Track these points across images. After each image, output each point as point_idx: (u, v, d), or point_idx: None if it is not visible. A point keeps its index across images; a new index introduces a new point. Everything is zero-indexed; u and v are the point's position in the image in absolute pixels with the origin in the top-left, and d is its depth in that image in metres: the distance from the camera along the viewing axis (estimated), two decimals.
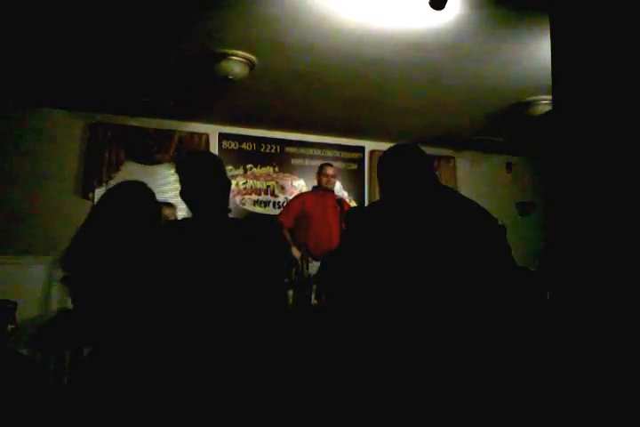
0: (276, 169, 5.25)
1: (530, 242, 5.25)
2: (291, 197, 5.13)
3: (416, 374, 1.56)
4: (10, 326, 3.14)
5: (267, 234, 1.92)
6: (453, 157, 5.87)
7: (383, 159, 1.91)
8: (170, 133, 4.78)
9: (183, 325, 1.61)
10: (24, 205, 4.30)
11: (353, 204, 5.38)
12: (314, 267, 3.81)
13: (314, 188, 4.46)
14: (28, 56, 3.35)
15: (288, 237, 4.21)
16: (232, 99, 4.23)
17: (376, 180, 5.44)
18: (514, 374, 1.66)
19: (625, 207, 1.39)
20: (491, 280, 1.66)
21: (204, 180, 1.79)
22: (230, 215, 1.88)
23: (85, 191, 4.51)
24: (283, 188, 5.25)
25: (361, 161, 5.62)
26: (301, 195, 4.54)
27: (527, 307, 1.83)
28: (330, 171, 4.30)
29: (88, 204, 4.52)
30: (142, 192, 2.05)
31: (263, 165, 5.21)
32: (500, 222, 2.02)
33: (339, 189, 5.26)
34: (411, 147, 1.92)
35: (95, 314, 1.88)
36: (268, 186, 5.21)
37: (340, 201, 4.00)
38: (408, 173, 1.80)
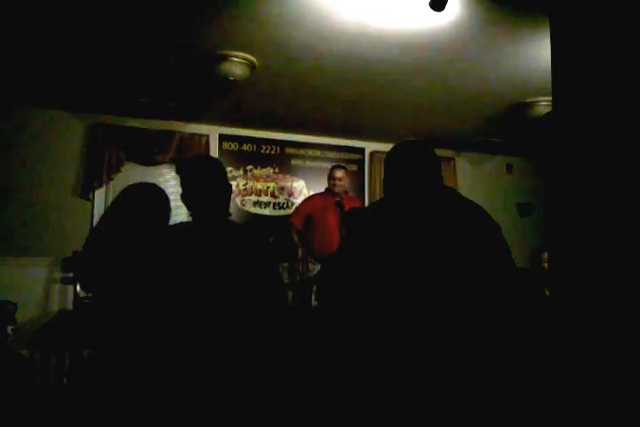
0: (276, 170, 5.26)
1: (530, 242, 5.26)
2: (290, 198, 5.15)
3: (416, 375, 1.56)
4: (10, 327, 3.14)
5: (265, 237, 1.92)
6: (453, 158, 5.87)
7: (388, 156, 1.88)
8: (170, 134, 4.78)
9: (183, 326, 1.61)
10: (24, 205, 4.29)
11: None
12: (315, 268, 3.82)
13: (326, 189, 4.47)
14: (29, 56, 3.35)
15: (296, 238, 4.24)
16: (232, 100, 4.23)
17: (376, 180, 5.49)
18: (514, 374, 1.66)
19: (624, 207, 1.40)
20: (490, 281, 1.66)
21: (205, 184, 1.79)
22: (231, 218, 1.88)
23: (85, 192, 4.51)
24: (283, 189, 5.25)
25: (361, 162, 5.62)
26: (311, 196, 4.62)
27: (526, 307, 1.83)
28: (338, 174, 4.28)
29: (88, 204, 4.52)
30: (155, 194, 2.07)
31: (263, 166, 5.21)
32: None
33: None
34: (418, 145, 1.88)
35: (97, 315, 1.88)
36: (268, 187, 5.21)
37: (339, 203, 4.01)
38: (410, 173, 1.79)
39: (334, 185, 4.26)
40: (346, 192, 4.43)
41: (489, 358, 1.61)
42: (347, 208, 4.10)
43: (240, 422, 1.60)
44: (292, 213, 4.58)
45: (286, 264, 4.12)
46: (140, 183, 2.15)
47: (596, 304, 1.45)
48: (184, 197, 1.79)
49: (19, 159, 4.33)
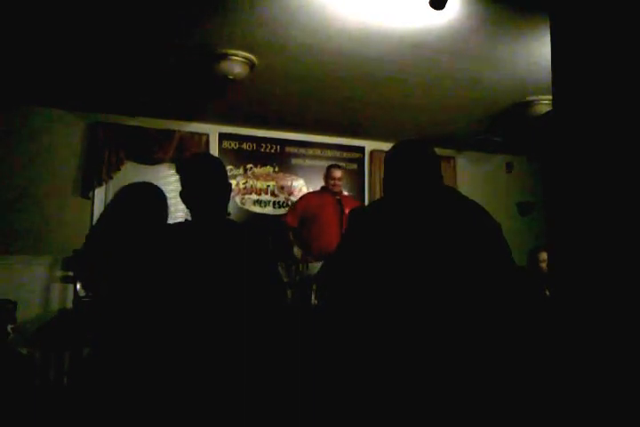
0: (276, 169, 5.25)
1: (530, 242, 5.25)
2: (290, 197, 5.14)
3: (416, 374, 1.56)
4: (10, 326, 3.14)
5: (265, 236, 1.92)
6: (453, 157, 5.86)
7: (388, 156, 1.89)
8: (170, 133, 4.77)
9: (183, 325, 1.61)
10: (24, 204, 4.29)
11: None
12: (315, 267, 3.81)
13: (322, 188, 4.46)
14: (28, 56, 3.35)
15: (291, 236, 4.23)
16: (232, 99, 4.23)
17: (376, 179, 5.49)
18: (513, 374, 1.66)
19: (624, 206, 1.39)
20: (490, 280, 1.66)
21: (204, 182, 1.79)
22: (230, 217, 1.88)
23: (85, 191, 4.50)
24: (282, 188, 5.25)
25: (361, 161, 5.61)
26: (306, 195, 4.59)
27: (526, 306, 1.83)
28: (337, 174, 4.26)
29: (88, 204, 4.52)
30: (153, 193, 2.07)
31: (263, 164, 5.21)
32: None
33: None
34: (417, 144, 1.88)
35: (96, 313, 1.88)
36: (267, 186, 5.20)
37: (341, 201, 4.00)
38: (410, 172, 1.79)
39: (334, 185, 4.25)
40: (340, 191, 4.41)
41: (489, 358, 1.61)
42: (347, 208, 4.09)
43: (240, 422, 1.60)
44: (288, 211, 4.55)
45: (284, 263, 4.11)
46: (138, 182, 2.15)
47: (597, 304, 1.45)
48: (184, 196, 1.79)
49: (18, 158, 4.32)
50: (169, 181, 4.64)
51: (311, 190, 5.09)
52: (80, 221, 4.41)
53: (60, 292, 4.27)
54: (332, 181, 4.24)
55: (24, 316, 3.88)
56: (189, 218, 1.81)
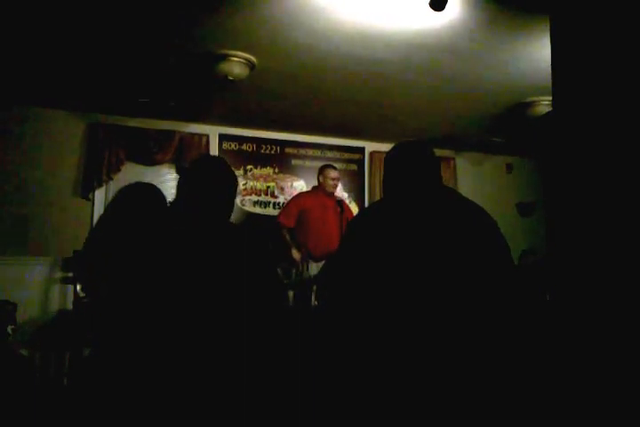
0: (276, 170, 5.26)
1: (530, 243, 5.25)
2: (289, 198, 5.12)
3: (415, 375, 1.56)
4: (10, 327, 3.14)
5: (265, 238, 1.92)
6: (453, 158, 5.87)
7: (388, 156, 1.89)
8: (170, 134, 4.77)
9: (183, 327, 1.61)
10: (24, 205, 4.29)
11: (353, 205, 5.38)
12: (314, 268, 3.81)
13: (313, 188, 4.43)
14: (29, 56, 3.35)
15: (287, 237, 4.18)
16: (232, 99, 4.23)
17: (376, 180, 5.48)
18: (513, 375, 1.66)
19: (625, 207, 1.39)
20: (489, 281, 1.66)
21: (213, 184, 1.78)
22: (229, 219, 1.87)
23: (85, 192, 4.50)
24: (282, 189, 5.25)
25: (361, 162, 5.62)
26: (300, 195, 4.50)
27: (525, 307, 1.83)
28: (334, 174, 4.21)
29: (88, 204, 4.52)
30: (152, 193, 2.08)
31: (263, 165, 5.21)
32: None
33: (339, 190, 5.24)
34: (417, 145, 1.88)
35: (96, 314, 1.88)
36: (267, 187, 5.21)
37: (341, 202, 4.00)
38: (410, 173, 1.79)
39: (334, 186, 4.23)
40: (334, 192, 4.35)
41: (488, 358, 1.61)
42: (346, 209, 4.07)
43: (240, 423, 1.60)
44: (281, 212, 4.40)
45: (284, 265, 4.09)
46: (137, 183, 2.16)
47: (597, 304, 1.45)
48: (186, 196, 1.78)
49: (18, 159, 4.32)
50: (168, 180, 4.65)
51: (303, 190, 5.03)
52: (80, 222, 4.42)
53: (60, 293, 4.26)
54: (331, 182, 4.20)
55: (24, 317, 3.88)
56: (187, 218, 1.80)
